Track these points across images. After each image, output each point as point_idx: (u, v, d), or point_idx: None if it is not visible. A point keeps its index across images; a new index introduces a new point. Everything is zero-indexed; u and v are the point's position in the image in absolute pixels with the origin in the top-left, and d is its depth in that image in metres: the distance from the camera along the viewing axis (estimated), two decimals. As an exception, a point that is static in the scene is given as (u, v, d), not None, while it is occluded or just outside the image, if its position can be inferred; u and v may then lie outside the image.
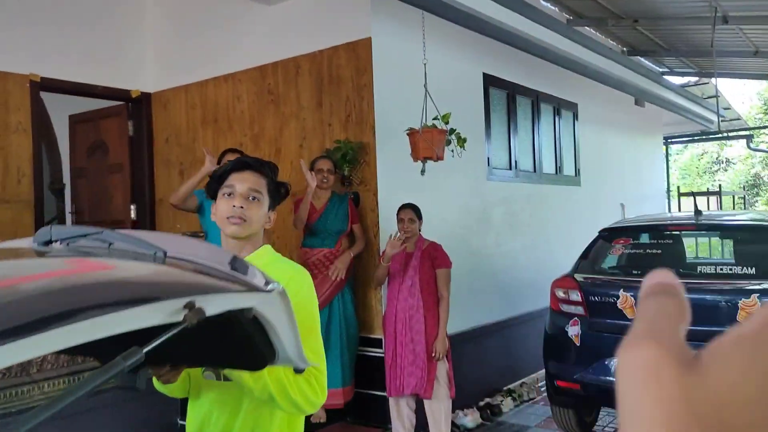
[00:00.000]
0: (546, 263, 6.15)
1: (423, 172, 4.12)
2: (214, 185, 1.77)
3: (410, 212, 3.92)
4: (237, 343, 1.08)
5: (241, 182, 1.72)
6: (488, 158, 5.66)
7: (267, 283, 0.99)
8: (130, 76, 5.81)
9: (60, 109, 6.64)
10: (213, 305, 0.84)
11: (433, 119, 4.14)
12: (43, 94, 6.14)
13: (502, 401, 5.16)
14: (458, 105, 4.91)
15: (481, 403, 5.10)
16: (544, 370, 5.92)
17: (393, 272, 3.93)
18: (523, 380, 5.71)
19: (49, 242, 1.29)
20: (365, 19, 4.50)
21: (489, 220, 5.65)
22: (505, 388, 5.45)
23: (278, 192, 1.81)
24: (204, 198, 4.02)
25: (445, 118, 4.10)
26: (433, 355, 3.88)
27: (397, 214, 3.97)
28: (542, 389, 5.56)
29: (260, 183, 1.74)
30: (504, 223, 5.84)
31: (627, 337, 0.29)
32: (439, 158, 4.12)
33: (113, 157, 6.20)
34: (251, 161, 1.78)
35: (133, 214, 6.04)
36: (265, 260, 1.74)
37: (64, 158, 6.86)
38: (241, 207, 1.69)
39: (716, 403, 0.26)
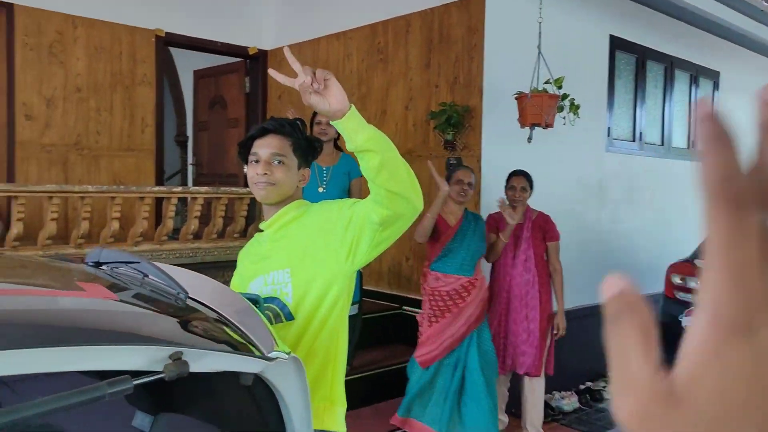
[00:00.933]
0: (666, 246, 5.66)
1: (530, 139, 3.87)
2: (243, 152, 1.79)
3: (523, 180, 3.65)
4: (240, 404, 1.01)
5: (264, 147, 1.73)
6: (609, 128, 5.24)
7: (272, 348, 0.90)
8: (248, 33, 5.93)
9: (188, 65, 6.95)
10: (202, 362, 0.75)
11: (545, 83, 3.85)
12: (172, 50, 6.45)
13: (604, 387, 4.86)
14: (577, 69, 4.55)
15: (581, 387, 4.84)
16: (653, 360, 5.52)
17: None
18: (629, 368, 5.33)
19: (98, 264, 1.30)
20: (479, -26, 4.24)
21: (605, 195, 5.26)
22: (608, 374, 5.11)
23: (310, 148, 1.82)
24: None
25: (558, 83, 3.80)
26: (555, 332, 3.72)
27: (507, 181, 3.70)
28: (649, 380, 5.18)
29: (283, 145, 1.74)
30: (623, 198, 5.42)
31: (610, 385, 0.30)
32: (549, 125, 3.84)
33: (231, 112, 6.41)
34: (270, 125, 1.77)
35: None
36: (293, 214, 1.75)
37: (188, 112, 7.20)
38: (265, 173, 1.70)
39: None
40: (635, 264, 5.49)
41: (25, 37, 4.70)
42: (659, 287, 5.45)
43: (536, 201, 3.89)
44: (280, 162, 1.72)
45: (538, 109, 3.72)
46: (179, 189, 3.58)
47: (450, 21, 4.47)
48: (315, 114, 4.02)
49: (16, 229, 3.64)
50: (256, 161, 1.73)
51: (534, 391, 3.82)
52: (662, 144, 5.89)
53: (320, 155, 3.80)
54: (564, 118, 3.95)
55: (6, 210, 4.33)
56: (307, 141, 1.81)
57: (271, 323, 1.60)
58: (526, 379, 3.80)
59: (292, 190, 1.77)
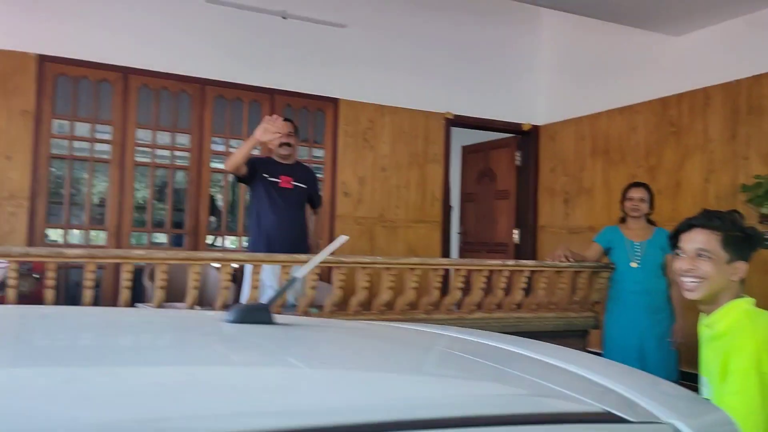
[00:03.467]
0: None
1: None
2: (672, 243, 1.79)
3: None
4: None
5: (689, 242, 1.72)
6: None
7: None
8: (522, 111, 6.27)
9: (456, 141, 7.49)
10: None
11: None
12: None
13: None
14: None
15: None
16: None
17: None
18: None
19: None
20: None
21: None
22: None
23: (746, 241, 1.72)
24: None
25: None
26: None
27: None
28: None
29: (709, 240, 1.70)
30: None
31: None
32: None
33: (500, 184, 6.75)
34: (696, 220, 1.74)
35: (516, 238, 6.48)
36: (733, 316, 1.68)
37: (454, 183, 7.70)
38: (690, 269, 1.70)
39: None
40: None
41: (346, 126, 5.48)
42: None
43: None
44: (705, 257, 1.69)
45: None
46: (497, 262, 3.85)
47: (761, 91, 4.35)
48: (627, 190, 4.12)
49: (356, 295, 4.16)
50: (682, 255, 1.74)
51: None
52: None
53: (632, 230, 3.90)
54: None
55: (327, 277, 4.95)
56: (743, 233, 1.73)
57: None
58: None
59: (720, 285, 1.70)
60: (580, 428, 0.67)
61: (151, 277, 4.31)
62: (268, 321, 1.02)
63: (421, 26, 5.76)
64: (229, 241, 5.39)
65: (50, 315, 1.19)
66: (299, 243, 3.87)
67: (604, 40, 5.59)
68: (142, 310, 1.44)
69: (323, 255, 1.22)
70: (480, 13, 5.96)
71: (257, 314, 1.02)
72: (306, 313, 3.18)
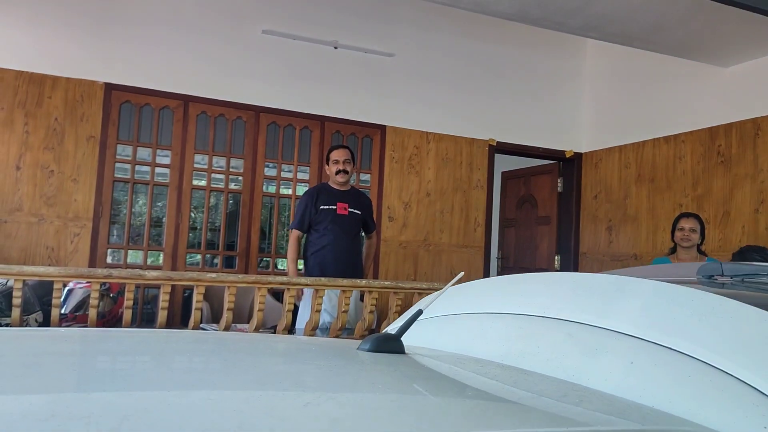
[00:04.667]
0: None
1: None
2: None
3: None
4: None
5: None
6: None
7: None
8: (565, 138, 6.33)
9: (497, 167, 7.56)
10: None
11: None
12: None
13: None
14: None
15: None
16: None
17: None
18: None
19: (712, 278, 1.49)
20: None
21: None
22: None
23: None
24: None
25: None
26: None
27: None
28: None
29: None
30: None
31: None
32: None
33: (541, 210, 6.79)
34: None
35: (557, 264, 6.50)
36: None
37: (494, 208, 7.75)
38: None
39: None
40: None
41: (392, 152, 5.60)
42: None
43: None
44: None
45: None
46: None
47: (813, 123, 4.36)
48: (678, 220, 4.16)
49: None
50: None
51: None
52: None
53: (683, 260, 3.93)
54: None
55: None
56: None
57: None
58: None
59: None
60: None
61: (206, 297, 4.45)
62: (401, 351, 1.10)
63: (465, 55, 5.88)
64: (281, 264, 5.51)
65: (195, 340, 1.29)
66: (354, 268, 3.97)
67: (649, 68, 5.64)
68: (274, 337, 1.53)
69: (447, 287, 1.30)
70: (524, 41, 6.06)
71: (391, 344, 1.11)
72: (338, 336, 3.26)
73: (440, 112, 5.79)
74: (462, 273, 1.30)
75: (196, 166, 5.00)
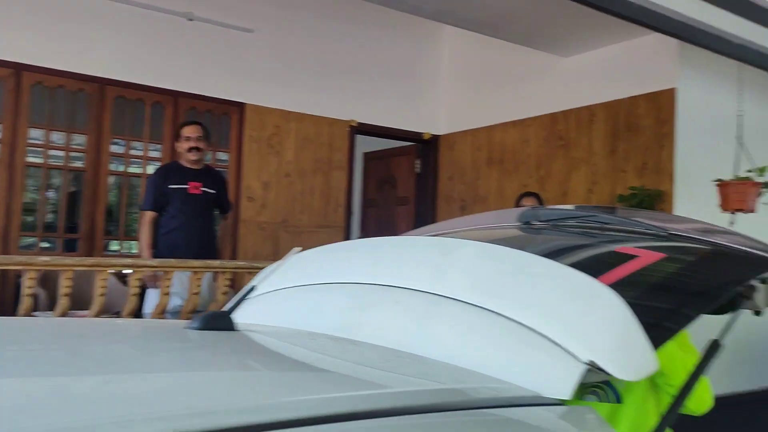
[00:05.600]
0: None
1: (732, 223, 4.07)
2: None
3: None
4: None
5: None
6: (788, 209, 5.32)
7: None
8: (423, 121, 6.52)
9: (358, 148, 7.62)
10: None
11: (747, 171, 4.08)
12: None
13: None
14: (762, 153, 4.73)
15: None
16: None
17: None
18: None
19: (529, 223, 1.63)
20: (671, 70, 4.59)
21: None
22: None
23: None
24: None
25: (762, 171, 4.02)
26: None
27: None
28: None
29: None
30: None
31: None
32: (751, 210, 4.04)
33: (401, 191, 6.96)
34: None
35: (415, 243, 6.70)
36: None
37: (356, 189, 7.83)
38: None
39: None
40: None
41: (251, 131, 5.46)
42: None
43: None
44: None
45: (743, 195, 3.94)
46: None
47: (637, 111, 4.82)
48: (520, 199, 4.44)
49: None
50: None
51: None
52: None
53: None
54: (766, 203, 4.14)
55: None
56: None
57: None
58: None
59: None
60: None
61: (44, 285, 4.11)
62: (231, 328, 1.08)
63: (326, 35, 5.85)
64: (120, 246, 5.21)
65: (26, 327, 1.17)
66: (207, 249, 3.84)
67: (501, 56, 5.94)
68: (102, 320, 1.41)
69: (280, 263, 1.29)
70: (384, 24, 6.14)
71: (220, 321, 1.08)
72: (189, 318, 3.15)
73: (301, 91, 5.72)
74: (299, 248, 1.29)
75: (30, 141, 4.57)
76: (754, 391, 4.87)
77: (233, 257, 5.17)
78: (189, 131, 3.78)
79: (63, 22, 4.62)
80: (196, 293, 3.17)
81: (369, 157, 7.48)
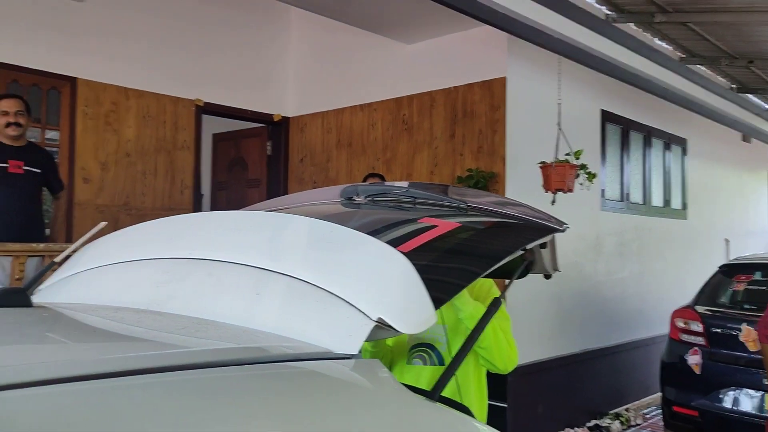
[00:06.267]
0: (653, 293, 6.35)
1: (553, 202, 4.49)
2: None
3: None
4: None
5: None
6: (602, 190, 5.95)
7: (562, 224, 1.46)
8: (273, 102, 6.48)
9: (207, 128, 7.40)
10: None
11: (566, 155, 4.51)
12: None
13: (610, 424, 5.40)
14: (578, 139, 5.24)
15: (589, 424, 5.37)
16: (648, 397, 6.11)
17: None
18: (628, 405, 5.92)
19: (351, 199, 1.75)
20: (501, 61, 4.93)
21: (601, 249, 5.93)
22: (611, 412, 5.68)
23: None
24: None
25: (577, 155, 4.46)
26: None
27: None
28: (648, 416, 5.77)
29: None
30: (615, 252, 6.10)
31: None
32: (569, 190, 4.48)
33: (252, 173, 6.88)
34: None
35: (266, 225, 6.67)
36: None
37: (205, 171, 7.62)
38: None
39: None
40: (629, 310, 6.15)
41: (85, 107, 5.12)
42: (652, 331, 6.11)
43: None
44: None
45: (562, 177, 4.36)
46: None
47: (473, 98, 5.14)
48: (366, 179, 4.57)
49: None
50: None
51: None
52: (644, 203, 6.65)
53: None
54: (581, 184, 4.61)
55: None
56: None
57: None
58: None
59: None
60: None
61: None
62: (27, 304, 1.05)
63: (168, 11, 5.61)
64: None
65: None
66: (31, 231, 3.58)
67: (348, 40, 6.03)
68: None
69: (83, 240, 1.26)
70: (231, 4, 5.99)
71: (14, 297, 1.04)
72: None
73: (140, 67, 5.45)
74: (104, 223, 1.27)
75: None
76: (576, 353, 5.44)
77: (68, 242, 4.85)
78: (6, 105, 3.48)
79: None
80: (20, 278, 2.96)
81: (218, 138, 7.30)
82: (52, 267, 1.20)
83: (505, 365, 2.00)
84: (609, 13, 4.96)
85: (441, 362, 2.05)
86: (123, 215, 5.34)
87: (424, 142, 5.48)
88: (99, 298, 1.28)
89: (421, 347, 2.08)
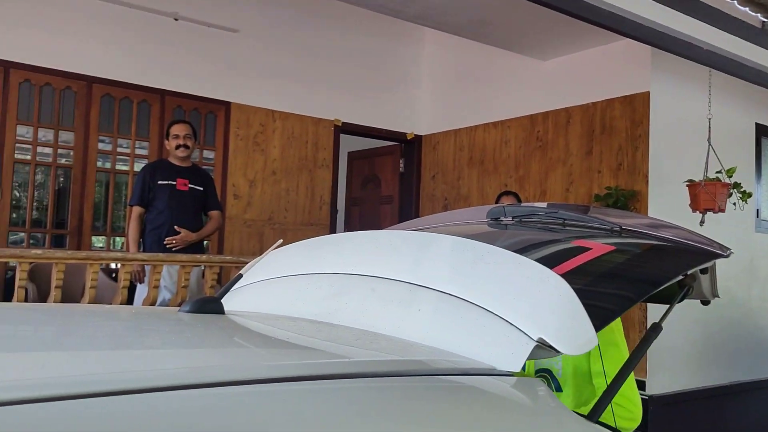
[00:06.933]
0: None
1: (702, 223, 4.24)
2: None
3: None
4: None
5: None
6: (757, 210, 5.52)
7: (725, 249, 1.41)
8: (406, 121, 6.65)
9: (343, 147, 7.73)
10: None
11: (716, 172, 4.25)
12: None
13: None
14: (730, 155, 4.91)
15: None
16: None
17: None
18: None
19: (497, 219, 1.78)
20: (645, 75, 4.75)
21: (755, 273, 5.48)
22: (767, 450, 5.21)
23: None
24: None
25: (730, 173, 4.19)
26: None
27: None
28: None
29: None
30: (771, 277, 5.62)
31: None
32: (721, 210, 4.21)
33: (385, 190, 7.09)
34: None
35: (398, 241, 6.83)
36: None
37: (341, 188, 7.95)
38: None
39: None
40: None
41: (237, 129, 5.56)
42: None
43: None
44: None
45: (712, 195, 4.11)
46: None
47: (613, 113, 4.98)
48: (499, 198, 4.58)
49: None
50: None
51: None
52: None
53: None
54: (735, 204, 4.31)
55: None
56: None
57: None
58: None
59: None
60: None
61: (33, 278, 4.18)
62: (220, 311, 1.19)
63: (311, 35, 5.96)
64: (107, 243, 5.28)
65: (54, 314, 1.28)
66: (194, 246, 3.94)
67: (481, 59, 6.08)
68: (99, 306, 1.52)
69: (264, 255, 1.40)
70: (368, 25, 6.26)
71: (210, 305, 1.19)
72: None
73: (286, 91, 5.83)
74: (281, 240, 1.40)
75: (19, 138, 4.63)
76: (725, 386, 5.06)
77: (220, 254, 5.27)
78: (177, 129, 3.88)
79: (51, 20, 4.69)
80: (185, 286, 3.28)
81: (353, 156, 7.60)
82: (238, 278, 1.35)
83: (631, 410, 1.88)
84: (765, 20, 4.63)
85: (558, 388, 2.01)
86: (267, 229, 5.72)
87: (558, 160, 5.38)
88: (273, 307, 1.42)
89: (540, 372, 2.05)
